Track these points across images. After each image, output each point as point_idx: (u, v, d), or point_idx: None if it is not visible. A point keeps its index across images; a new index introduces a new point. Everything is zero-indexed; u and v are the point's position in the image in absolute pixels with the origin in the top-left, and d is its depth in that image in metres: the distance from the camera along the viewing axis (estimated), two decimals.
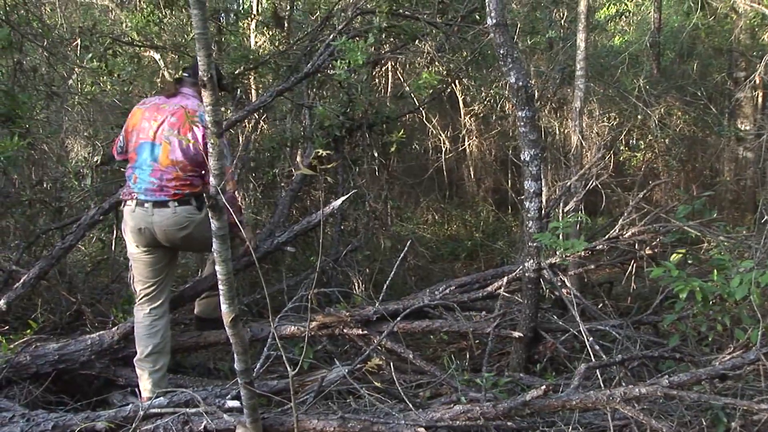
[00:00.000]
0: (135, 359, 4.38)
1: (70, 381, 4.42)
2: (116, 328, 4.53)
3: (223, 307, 2.62)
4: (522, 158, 4.47)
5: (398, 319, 4.00)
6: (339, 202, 4.46)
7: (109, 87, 7.16)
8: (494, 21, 4.16)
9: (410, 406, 3.05)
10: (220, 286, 2.58)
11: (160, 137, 4.42)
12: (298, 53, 6.78)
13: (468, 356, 5.35)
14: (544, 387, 2.85)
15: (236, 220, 4.34)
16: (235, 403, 3.22)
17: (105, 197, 6.38)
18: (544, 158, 4.54)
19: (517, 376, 4.77)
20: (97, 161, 6.49)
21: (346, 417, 2.91)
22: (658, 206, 8.90)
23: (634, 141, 10.92)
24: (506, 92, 9.02)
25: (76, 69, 6.90)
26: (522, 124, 4.37)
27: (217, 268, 2.56)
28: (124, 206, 4.46)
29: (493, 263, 9.56)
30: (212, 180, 2.45)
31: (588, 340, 4.59)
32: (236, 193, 4.58)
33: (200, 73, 2.29)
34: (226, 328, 2.66)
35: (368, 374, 3.48)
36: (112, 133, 6.80)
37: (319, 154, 2.57)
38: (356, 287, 6.14)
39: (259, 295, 5.96)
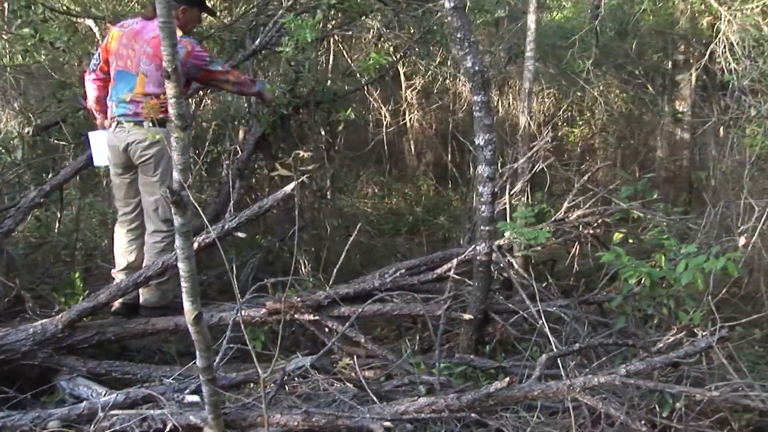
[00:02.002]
0: (112, 271, 5.09)
1: (10, 371, 4.26)
2: (60, 315, 4.39)
3: (186, 305, 2.54)
4: (476, 143, 4.45)
5: (354, 317, 3.95)
6: (290, 187, 4.37)
7: (43, 56, 6.88)
8: (452, 4, 4.11)
9: (374, 399, 3.02)
10: (183, 284, 2.50)
11: (136, 68, 4.68)
12: (243, 27, 6.62)
13: (417, 337, 5.37)
14: (508, 379, 2.86)
15: (254, 93, 5.28)
16: (195, 398, 3.16)
17: (40, 173, 6.19)
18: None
19: (468, 358, 4.79)
20: (29, 133, 6.28)
21: (310, 411, 2.87)
22: (598, 185, 9.06)
23: (573, 115, 11.04)
24: (449, 68, 8.99)
25: (4, 35, 6.64)
26: (477, 108, 4.35)
27: (180, 264, 2.48)
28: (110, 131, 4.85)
29: (434, 239, 9.58)
30: (176, 175, 2.37)
31: (539, 322, 4.65)
32: (240, 75, 5.16)
33: (164, 64, 2.20)
34: (189, 326, 2.59)
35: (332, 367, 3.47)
36: (44, 103, 6.59)
37: (300, 155, 2.47)
38: (303, 267, 6.08)
39: (205, 276, 5.84)
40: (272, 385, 3.09)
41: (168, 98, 2.25)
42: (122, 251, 5.06)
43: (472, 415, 2.89)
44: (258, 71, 6.88)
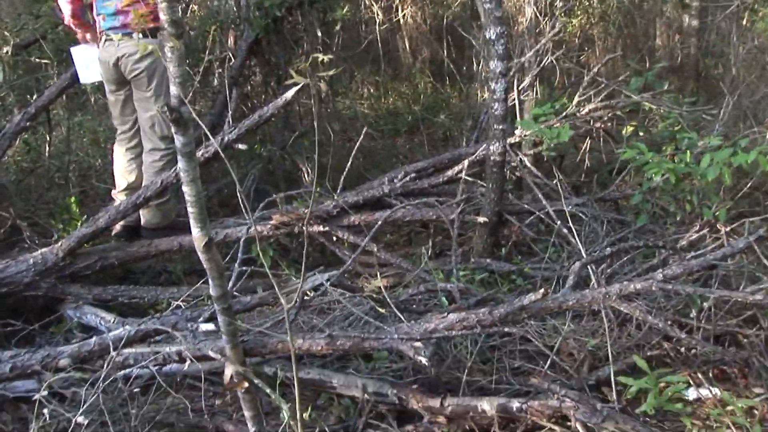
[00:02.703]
0: (113, 192, 4.94)
1: (15, 303, 4.10)
2: (59, 243, 4.22)
3: (194, 231, 2.34)
4: (486, 36, 4.18)
5: (373, 231, 3.73)
6: (291, 93, 4.11)
7: None
8: None
9: (402, 318, 2.86)
10: (190, 209, 2.29)
11: None
12: None
13: (430, 242, 5.19)
14: (542, 291, 2.69)
15: None
16: (210, 326, 2.98)
17: (24, 95, 5.92)
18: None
19: (485, 262, 4.65)
20: (7, 53, 5.95)
21: (334, 335, 2.71)
22: (602, 76, 8.76)
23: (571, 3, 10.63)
24: None
25: None
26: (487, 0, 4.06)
27: (185, 188, 2.27)
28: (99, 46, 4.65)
29: (435, 137, 9.34)
30: (173, 89, 2.13)
31: (557, 223, 4.48)
32: None
33: None
34: (200, 253, 2.39)
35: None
36: (20, 20, 6.25)
37: (319, 58, 2.22)
38: (305, 176, 5.87)
39: (205, 192, 5.61)
40: (291, 306, 2.89)
41: (158, 2, 1.99)
42: (122, 171, 4.85)
43: (505, 329, 2.73)
44: None
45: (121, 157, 4.84)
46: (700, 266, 3.06)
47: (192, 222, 2.33)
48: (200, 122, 2.08)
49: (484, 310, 2.77)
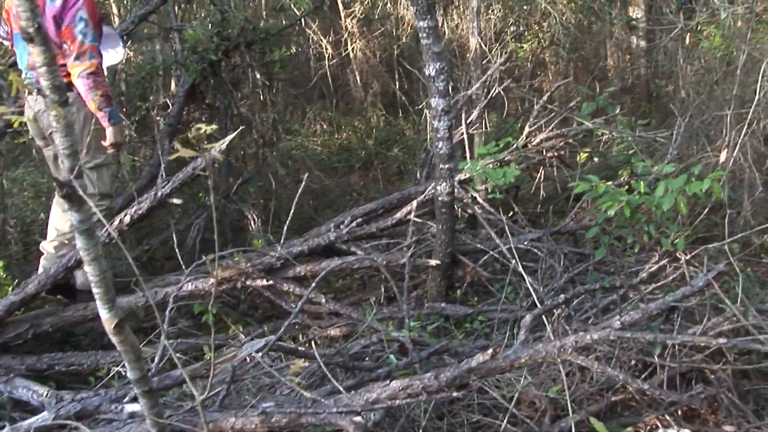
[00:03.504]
0: (41, 244, 4.57)
1: None
2: None
3: (102, 313, 2.11)
4: (426, 73, 4.00)
5: (309, 291, 3.52)
6: (226, 141, 3.91)
7: None
8: None
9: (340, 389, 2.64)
10: (95, 289, 2.07)
11: None
12: None
13: (383, 288, 5.00)
14: (491, 351, 2.49)
15: (98, 108, 4.12)
16: (136, 407, 2.74)
17: None
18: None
19: (439, 307, 4.46)
20: None
21: (268, 411, 2.48)
22: (553, 101, 8.67)
23: (521, 29, 10.57)
24: None
25: None
26: (424, 35, 3.89)
27: (87, 268, 2.04)
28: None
29: (390, 172, 9.20)
30: (63, 161, 1.91)
31: (512, 261, 4.31)
32: (99, 73, 4.12)
33: (21, 23, 1.72)
34: (111, 336, 2.16)
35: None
36: None
37: (201, 129, 2.01)
38: (252, 223, 5.65)
39: (147, 246, 5.38)
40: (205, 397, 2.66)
41: (36, 67, 1.78)
42: (55, 220, 4.57)
43: (453, 394, 2.52)
44: (183, 15, 6.32)
45: (56, 207, 4.58)
46: (658, 309, 2.90)
47: (98, 303, 2.10)
48: (88, 199, 1.86)
49: (429, 375, 2.57)
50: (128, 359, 2.23)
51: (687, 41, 6.68)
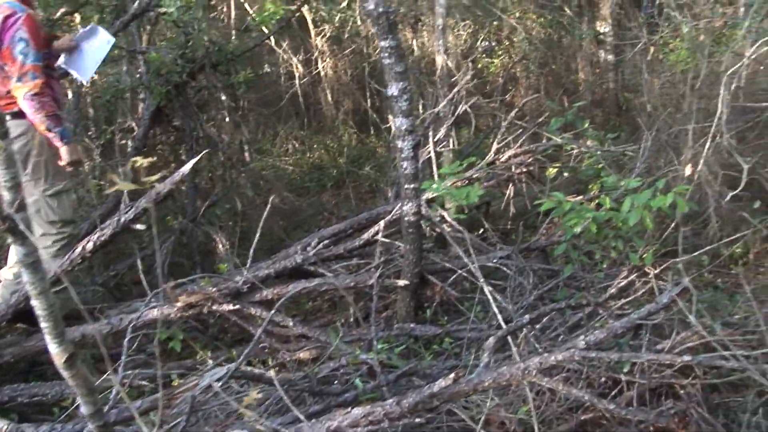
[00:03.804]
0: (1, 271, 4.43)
1: None
2: None
3: (52, 348, 2.06)
4: (389, 93, 3.98)
5: (269, 316, 3.49)
6: (188, 166, 3.88)
7: None
8: None
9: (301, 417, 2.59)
10: (43, 324, 2.02)
11: None
12: None
13: (351, 309, 4.95)
14: (453, 375, 2.45)
15: (47, 129, 4.02)
16: None
17: None
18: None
19: (408, 327, 4.42)
20: None
21: None
22: (525, 116, 8.69)
23: (492, 44, 10.61)
24: (357, 11, 8.45)
25: None
26: (386, 54, 3.87)
27: (34, 303, 1.99)
28: None
29: (362, 190, 9.17)
30: (5, 194, 1.87)
31: (480, 281, 4.28)
32: (43, 94, 4.02)
33: None
34: (61, 371, 2.10)
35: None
36: None
37: (139, 163, 1.96)
38: (220, 246, 5.59)
39: (113, 272, 5.31)
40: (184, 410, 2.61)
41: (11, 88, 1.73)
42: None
43: (416, 420, 2.48)
44: (148, 38, 6.27)
45: None
46: (623, 327, 2.88)
47: (47, 338, 2.05)
48: (28, 233, 1.81)
49: (391, 402, 2.52)
50: (80, 393, 2.18)
51: (652, 55, 6.73)
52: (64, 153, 4.14)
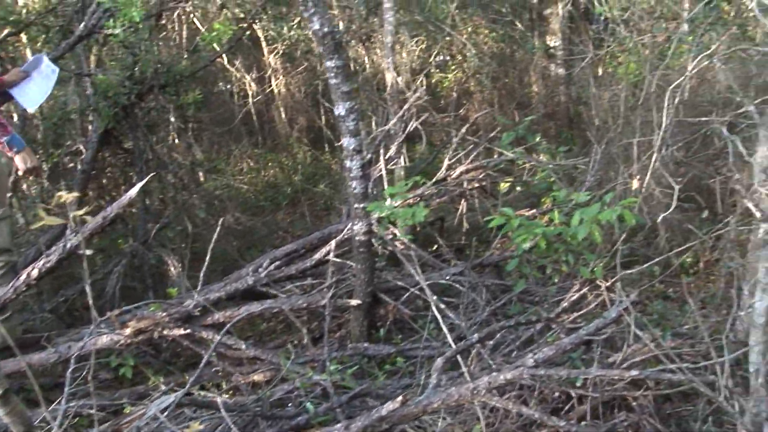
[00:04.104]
0: None
1: None
2: None
3: None
4: (336, 113, 3.97)
5: (218, 338, 3.45)
6: (135, 189, 3.82)
7: None
8: None
9: None
10: None
11: None
12: (69, 11, 5.88)
13: (305, 330, 4.91)
14: (401, 398, 2.43)
15: None
16: None
17: None
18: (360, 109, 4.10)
19: (361, 347, 4.40)
20: None
21: None
22: (478, 130, 8.74)
23: (445, 59, 10.67)
24: (309, 31, 8.43)
25: None
26: (332, 74, 3.86)
27: None
28: None
29: (316, 208, 9.13)
30: None
31: (432, 299, 4.27)
32: None
33: None
34: None
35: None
36: None
37: (62, 198, 1.93)
38: (172, 268, 5.52)
39: (62, 298, 5.20)
40: None
41: None
42: None
43: None
44: (95, 60, 6.19)
45: None
46: (572, 343, 2.88)
47: None
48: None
49: (340, 426, 2.50)
50: (17, 430, 2.12)
51: (600, 69, 6.83)
52: (19, 161, 4.07)
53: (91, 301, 2.47)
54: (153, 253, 5.57)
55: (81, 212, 1.91)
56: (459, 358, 3.39)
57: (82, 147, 5.74)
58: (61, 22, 5.87)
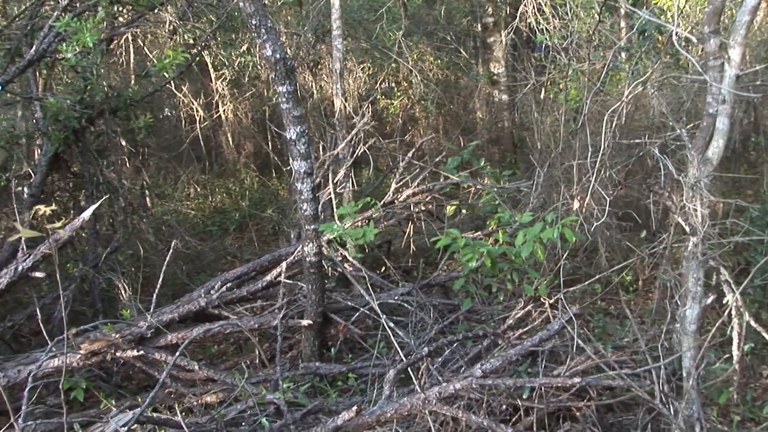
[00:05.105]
0: None
1: None
2: None
3: None
4: (287, 137, 4.07)
5: (172, 361, 3.49)
6: (88, 212, 3.88)
7: None
8: None
9: None
10: None
11: None
12: (17, 33, 5.87)
13: (257, 351, 4.98)
14: (355, 408, 2.53)
15: None
16: None
17: None
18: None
19: (313, 366, 4.48)
20: None
21: None
22: (424, 155, 8.92)
23: (391, 86, 10.84)
24: (255, 56, 8.52)
25: None
26: (284, 99, 3.97)
27: None
28: None
29: (264, 233, 9.18)
30: None
31: (382, 317, 4.38)
32: None
33: None
34: None
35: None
36: None
37: (41, 211, 2.01)
38: (123, 292, 5.52)
39: (9, 323, 5.16)
40: None
41: None
42: None
43: None
44: (44, 84, 6.18)
45: None
46: (518, 354, 3.01)
47: None
48: None
49: None
50: None
51: (542, 95, 7.05)
52: None
53: (41, 324, 2.51)
54: (103, 276, 5.57)
55: (59, 225, 1.98)
56: (410, 371, 3.49)
57: (30, 171, 5.71)
58: (7, 45, 5.84)
